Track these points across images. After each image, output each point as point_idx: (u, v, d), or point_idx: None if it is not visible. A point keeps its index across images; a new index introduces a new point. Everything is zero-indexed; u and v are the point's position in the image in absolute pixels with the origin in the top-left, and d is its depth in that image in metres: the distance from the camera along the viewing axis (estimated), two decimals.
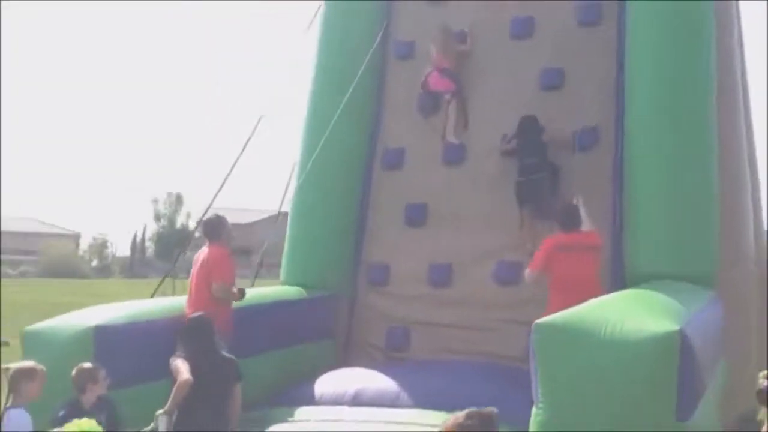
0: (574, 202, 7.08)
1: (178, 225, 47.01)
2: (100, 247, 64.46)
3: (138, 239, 54.84)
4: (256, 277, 9.41)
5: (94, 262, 63.62)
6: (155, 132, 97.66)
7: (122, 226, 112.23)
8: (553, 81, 8.16)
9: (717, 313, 6.47)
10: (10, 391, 4.86)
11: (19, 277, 42.81)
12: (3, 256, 53.04)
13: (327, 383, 7.08)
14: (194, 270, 6.55)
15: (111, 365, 5.48)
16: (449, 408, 6.23)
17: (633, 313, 4.42)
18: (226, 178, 8.66)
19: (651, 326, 4.26)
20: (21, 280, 36.26)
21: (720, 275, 7.03)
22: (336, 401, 6.76)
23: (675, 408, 4.32)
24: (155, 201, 50.42)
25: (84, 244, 63.40)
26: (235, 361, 5.23)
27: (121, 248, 62.90)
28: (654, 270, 6.91)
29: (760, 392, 4.39)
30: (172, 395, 4.92)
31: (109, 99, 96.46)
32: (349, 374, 7.27)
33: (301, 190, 8.66)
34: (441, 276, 8.23)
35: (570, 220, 6.70)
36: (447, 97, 8.53)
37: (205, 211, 8.49)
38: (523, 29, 8.46)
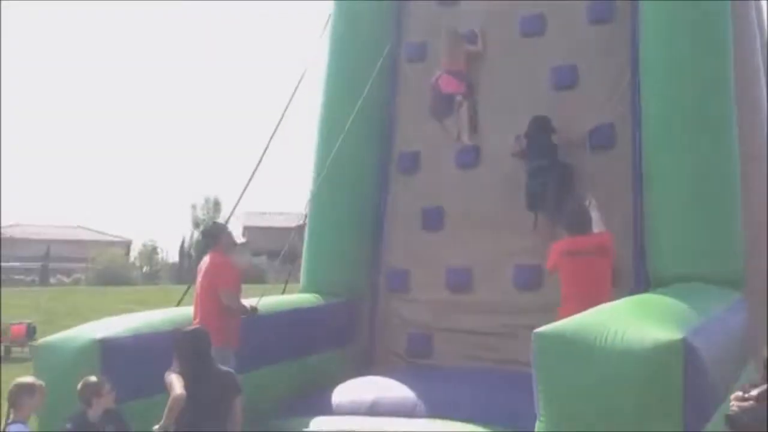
0: (587, 203, 6.89)
1: None
2: (150, 254, 65.44)
3: (186, 245, 55.46)
4: (287, 283, 9.39)
5: (145, 269, 64.72)
6: (194, 136, 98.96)
7: (173, 232, 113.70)
8: (565, 79, 7.98)
9: (741, 315, 6.24)
10: (10, 406, 4.91)
11: (72, 284, 43.75)
12: (57, 264, 54.40)
13: (344, 393, 7.02)
14: (198, 280, 6.54)
15: (118, 378, 5.52)
16: (467, 417, 6.27)
17: (636, 321, 4.25)
18: (250, 179, 8.64)
19: (653, 335, 4.09)
20: (67, 287, 37.01)
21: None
22: (353, 411, 6.70)
23: (682, 420, 4.13)
24: (194, 207, 50.49)
25: (135, 251, 64.48)
26: (233, 374, 5.19)
27: (172, 254, 63.88)
28: (678, 272, 6.69)
29: (727, 417, 4.02)
30: (165, 411, 4.90)
31: (147, 105, 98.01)
32: (367, 383, 7.20)
33: (318, 196, 8.64)
34: (460, 281, 8.13)
35: (574, 224, 6.51)
36: (458, 98, 8.40)
37: (231, 213, 8.53)
38: (534, 27, 8.30)
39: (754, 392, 2.09)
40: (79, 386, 5.29)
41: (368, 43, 8.80)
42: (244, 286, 6.73)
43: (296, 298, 8.26)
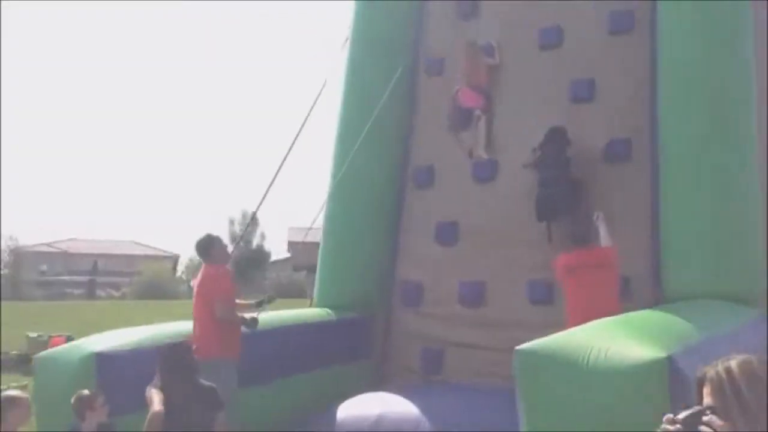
0: (594, 217, 6.70)
1: (254, 246, 47.23)
2: (196, 268, 65.96)
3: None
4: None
5: (193, 282, 65.45)
6: (230, 149, 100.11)
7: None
8: (583, 92, 7.79)
9: (759, 333, 5.97)
10: None
11: (120, 298, 44.57)
12: (108, 278, 55.48)
13: (349, 408, 6.95)
14: (194, 293, 6.52)
15: (114, 392, 5.52)
16: None
17: (621, 339, 4.08)
18: (268, 189, 8.67)
19: (637, 353, 3.93)
20: (112, 301, 37.71)
21: None
22: (356, 426, 6.64)
23: None
24: (231, 221, 50.56)
25: (183, 265, 65.33)
26: (215, 389, 5.12)
27: None
28: (693, 289, 6.48)
29: None
30: (144, 427, 4.86)
31: (184, 117, 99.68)
32: (373, 399, 7.11)
33: (332, 209, 8.60)
34: (474, 295, 7.99)
35: (577, 238, 6.32)
36: (477, 113, 8.29)
37: (246, 225, 8.55)
38: (552, 39, 8.13)
39: (681, 415, 1.94)
40: (72, 399, 5.30)
41: (385, 57, 8.75)
42: (283, 301, 6.67)
43: (306, 312, 8.22)
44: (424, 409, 6.68)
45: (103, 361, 5.71)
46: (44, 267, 58.55)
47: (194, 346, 6.12)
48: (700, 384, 2.08)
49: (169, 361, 5.01)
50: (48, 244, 62.70)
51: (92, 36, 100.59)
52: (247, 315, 6.57)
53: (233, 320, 6.35)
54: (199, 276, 6.60)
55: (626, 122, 7.56)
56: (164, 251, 67.05)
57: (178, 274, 63.24)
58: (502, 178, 8.16)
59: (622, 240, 7.27)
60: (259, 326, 7.35)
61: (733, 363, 2.04)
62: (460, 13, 8.85)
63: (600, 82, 7.77)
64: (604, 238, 6.51)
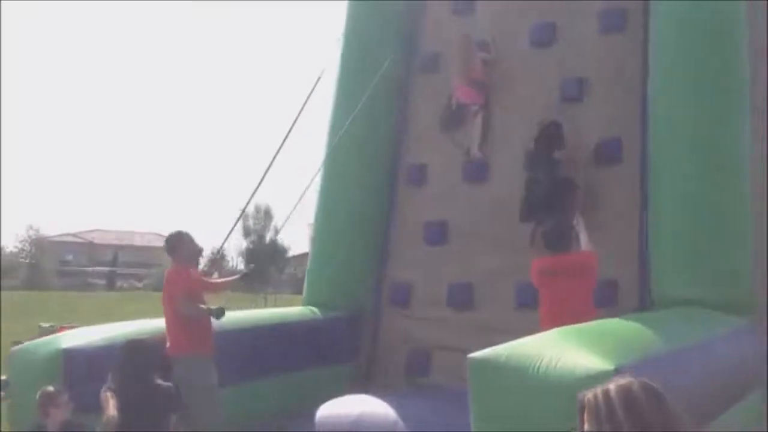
0: (574, 222, 6.54)
1: (267, 240, 47.27)
2: (219, 261, 66.34)
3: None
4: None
5: (215, 275, 65.84)
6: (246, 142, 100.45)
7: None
8: (575, 91, 7.62)
9: (739, 343, 5.80)
10: None
11: (143, 289, 44.92)
12: (131, 270, 56.00)
13: (330, 408, 6.87)
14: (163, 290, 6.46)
15: (82, 389, 5.48)
16: None
17: (574, 349, 3.96)
18: (261, 182, 8.56)
19: (585, 364, 3.81)
20: (132, 292, 38.05)
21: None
22: (336, 427, 6.57)
23: None
24: (245, 216, 50.48)
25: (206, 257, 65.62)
26: (171, 389, 5.04)
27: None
28: (680, 295, 6.32)
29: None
30: None
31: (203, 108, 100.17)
32: (353, 400, 7.02)
33: (324, 206, 8.52)
34: (462, 298, 7.87)
35: (553, 242, 6.16)
36: (474, 109, 8.15)
37: (238, 218, 8.51)
38: (544, 36, 7.97)
39: None
40: (37, 395, 5.27)
41: (378, 56, 8.60)
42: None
43: (290, 311, 8.16)
44: (405, 411, 6.59)
45: (71, 357, 5.68)
46: (70, 257, 59.25)
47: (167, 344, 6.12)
48: (581, 409, 1.97)
49: (120, 360, 4.94)
50: (74, 234, 63.49)
51: (97, 33, 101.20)
52: (213, 306, 6.47)
53: (195, 315, 6.22)
54: (167, 274, 6.54)
55: (617, 122, 7.38)
56: None
57: (201, 266, 63.57)
58: (493, 179, 8.02)
59: (610, 243, 7.13)
60: (241, 324, 7.33)
61: (612, 386, 1.96)
62: (455, 10, 8.72)
63: (592, 81, 7.59)
64: (584, 243, 6.35)
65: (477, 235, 7.91)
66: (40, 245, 53.18)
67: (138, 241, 65.98)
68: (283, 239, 46.39)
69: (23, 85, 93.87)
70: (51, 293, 35.04)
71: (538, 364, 3.91)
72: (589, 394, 2.00)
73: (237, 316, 7.65)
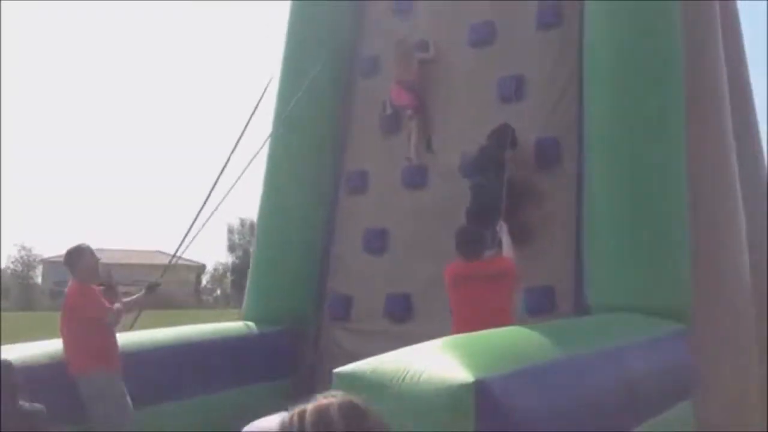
0: (497, 228, 6.22)
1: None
2: (221, 277, 66.15)
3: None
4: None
5: (218, 292, 65.49)
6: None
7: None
8: (511, 90, 7.31)
9: (664, 351, 5.47)
10: None
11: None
12: (124, 288, 55.73)
13: (255, 425, 6.54)
14: (62, 308, 6.09)
15: None
16: None
17: (441, 362, 3.67)
18: (209, 195, 8.23)
19: (447, 377, 3.52)
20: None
21: (699, 310, 5.99)
22: None
23: None
24: (230, 230, 48.81)
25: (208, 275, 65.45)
26: (37, 413, 4.71)
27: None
28: (617, 300, 6.00)
29: None
30: None
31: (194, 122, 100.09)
32: (280, 416, 6.70)
33: (265, 216, 8.24)
34: (400, 309, 7.55)
35: (465, 249, 5.83)
36: (409, 112, 7.86)
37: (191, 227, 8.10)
38: (483, 36, 7.68)
39: None
40: None
41: (319, 59, 8.32)
42: None
43: (225, 326, 7.82)
44: None
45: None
46: (64, 277, 58.91)
47: (68, 363, 5.80)
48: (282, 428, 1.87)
49: None
50: None
51: (89, 37, 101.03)
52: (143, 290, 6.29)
53: (120, 319, 6.07)
54: (67, 291, 6.15)
55: (555, 122, 7.08)
56: (190, 261, 67.30)
57: (203, 283, 63.32)
58: (432, 183, 7.72)
59: (547, 248, 6.83)
60: (171, 340, 7.06)
61: (310, 406, 1.86)
62: (395, 11, 8.45)
63: (528, 79, 7.30)
64: (506, 249, 6.03)
65: (416, 243, 7.60)
66: (30, 266, 53.01)
67: (134, 259, 65.74)
68: None
69: (19, 94, 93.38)
70: (43, 314, 34.75)
71: (402, 378, 3.63)
72: (290, 414, 1.87)
73: (170, 331, 7.38)
